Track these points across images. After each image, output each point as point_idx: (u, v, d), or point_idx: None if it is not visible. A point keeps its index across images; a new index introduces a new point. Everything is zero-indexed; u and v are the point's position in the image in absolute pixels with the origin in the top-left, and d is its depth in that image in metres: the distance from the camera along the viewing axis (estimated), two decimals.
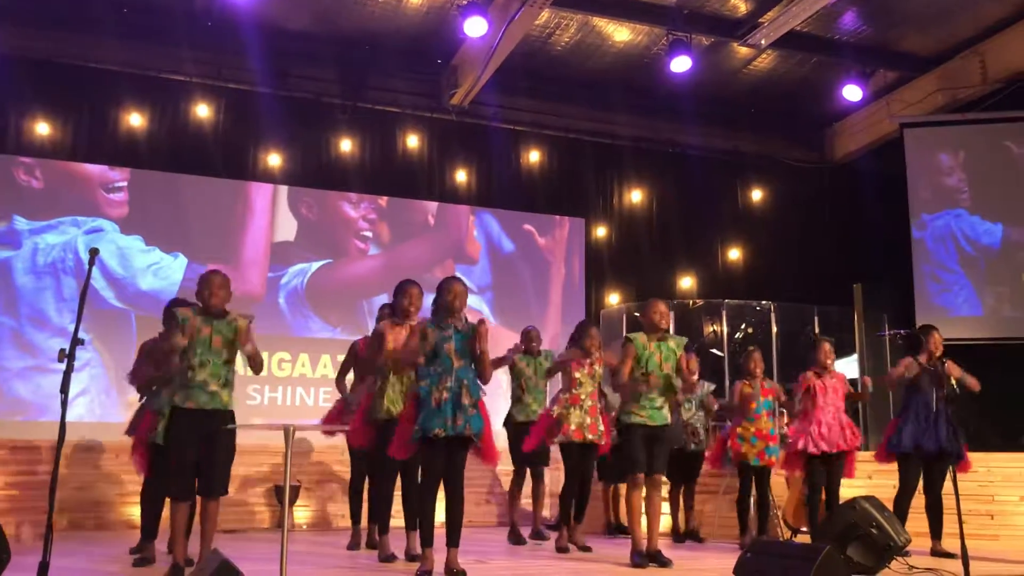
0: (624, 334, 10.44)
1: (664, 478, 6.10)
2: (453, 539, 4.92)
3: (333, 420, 6.76)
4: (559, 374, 6.58)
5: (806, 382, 6.66)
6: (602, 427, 6.33)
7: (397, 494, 5.85)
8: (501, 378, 7.14)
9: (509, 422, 7.06)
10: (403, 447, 4.99)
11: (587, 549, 6.35)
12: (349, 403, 6.41)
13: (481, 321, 4.96)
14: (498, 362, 6.61)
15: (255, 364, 4.99)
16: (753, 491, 7.00)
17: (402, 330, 5.59)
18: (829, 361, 6.71)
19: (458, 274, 10.68)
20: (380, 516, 5.80)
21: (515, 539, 6.87)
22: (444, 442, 4.85)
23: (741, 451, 6.86)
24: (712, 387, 7.91)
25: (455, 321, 4.97)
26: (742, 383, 7.05)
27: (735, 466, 7.00)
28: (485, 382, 5.03)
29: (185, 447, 4.78)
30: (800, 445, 6.55)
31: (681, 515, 7.53)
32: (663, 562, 5.43)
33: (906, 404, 6.64)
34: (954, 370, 6.30)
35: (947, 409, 6.21)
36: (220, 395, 4.86)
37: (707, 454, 7.38)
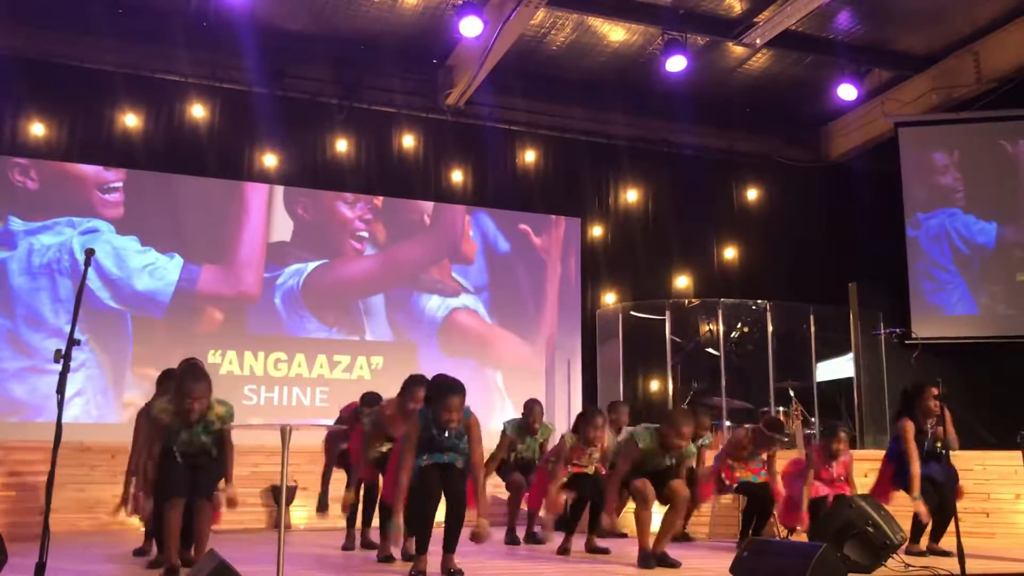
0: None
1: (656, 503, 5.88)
2: (450, 546, 4.96)
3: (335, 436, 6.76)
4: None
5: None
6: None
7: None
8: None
9: (499, 471, 7.04)
10: (390, 488, 5.11)
11: (604, 551, 6.29)
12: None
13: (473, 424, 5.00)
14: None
15: (226, 464, 5.04)
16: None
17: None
18: (841, 447, 6.34)
19: (452, 275, 10.74)
20: (383, 522, 5.84)
21: (511, 539, 6.87)
22: (437, 469, 4.92)
23: (735, 475, 6.76)
24: (707, 442, 7.81)
25: (449, 429, 4.94)
26: (742, 437, 6.91)
27: (733, 489, 6.94)
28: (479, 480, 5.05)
29: (175, 465, 4.90)
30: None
31: None
32: (671, 563, 5.41)
33: (899, 451, 6.48)
34: (950, 432, 6.29)
35: (945, 452, 6.20)
36: (211, 451, 5.00)
37: (700, 489, 7.28)
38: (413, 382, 5.64)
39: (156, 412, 4.93)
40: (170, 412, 4.89)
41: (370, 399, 6.27)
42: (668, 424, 5.55)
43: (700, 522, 7.74)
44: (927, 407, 6.33)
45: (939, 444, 6.32)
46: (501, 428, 7.12)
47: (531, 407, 7.04)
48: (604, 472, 6.27)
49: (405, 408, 5.59)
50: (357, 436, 6.08)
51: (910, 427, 6.30)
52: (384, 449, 5.80)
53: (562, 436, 6.46)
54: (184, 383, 4.87)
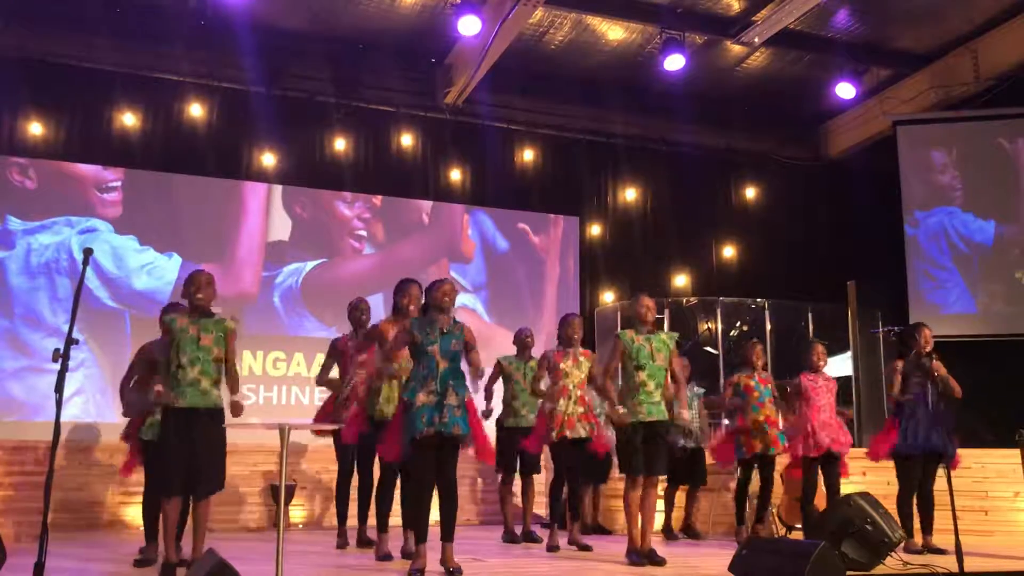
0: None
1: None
2: (448, 534, 4.95)
3: (325, 418, 6.74)
4: (547, 374, 6.58)
5: (801, 386, 6.70)
6: (592, 423, 6.34)
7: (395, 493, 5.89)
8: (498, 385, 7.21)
9: (499, 426, 7.06)
10: (392, 449, 5.05)
11: (587, 548, 6.34)
12: (339, 396, 6.40)
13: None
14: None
15: (232, 379, 5.07)
16: (755, 479, 7.02)
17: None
18: (822, 363, 6.79)
19: (451, 274, 10.76)
20: (380, 516, 5.83)
21: (509, 538, 6.88)
22: (433, 441, 4.89)
23: (753, 444, 6.88)
24: (702, 391, 7.88)
25: (441, 322, 4.99)
26: (742, 376, 7.06)
27: (743, 460, 7.02)
28: (478, 376, 5.09)
29: (176, 445, 4.85)
30: (799, 451, 6.60)
31: (676, 513, 7.53)
32: (657, 561, 5.46)
33: (901, 404, 6.63)
34: (940, 369, 6.32)
35: (941, 407, 6.21)
36: (211, 393, 4.97)
37: (712, 449, 7.36)
38: (403, 281, 5.78)
39: (170, 316, 5.06)
40: (181, 313, 5.07)
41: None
42: (632, 306, 5.88)
43: (701, 520, 7.75)
44: (920, 344, 6.47)
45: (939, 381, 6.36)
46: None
47: (519, 331, 7.20)
48: (596, 433, 6.34)
49: (400, 308, 5.69)
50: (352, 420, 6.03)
51: (900, 363, 6.59)
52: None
53: (543, 353, 6.59)
54: (195, 279, 5.10)
